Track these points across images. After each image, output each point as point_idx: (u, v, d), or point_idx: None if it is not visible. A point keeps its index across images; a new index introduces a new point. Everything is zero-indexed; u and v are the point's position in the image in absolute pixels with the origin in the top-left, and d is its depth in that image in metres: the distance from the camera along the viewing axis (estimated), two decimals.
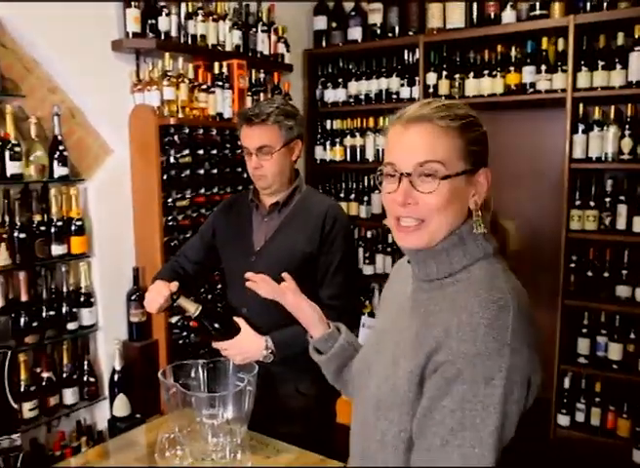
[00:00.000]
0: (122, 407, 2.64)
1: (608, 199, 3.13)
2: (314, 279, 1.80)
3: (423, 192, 0.98)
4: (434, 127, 0.97)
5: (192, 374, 1.79)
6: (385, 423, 1.00)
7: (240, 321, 1.79)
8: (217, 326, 1.78)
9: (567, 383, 3.28)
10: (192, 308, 1.76)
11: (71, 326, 2.51)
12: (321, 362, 1.33)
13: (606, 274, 3.16)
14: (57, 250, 2.43)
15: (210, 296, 2.85)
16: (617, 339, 3.12)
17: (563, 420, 3.28)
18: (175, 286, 1.77)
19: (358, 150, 3.79)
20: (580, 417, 3.25)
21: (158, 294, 1.77)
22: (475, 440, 0.88)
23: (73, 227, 2.48)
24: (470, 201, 1.00)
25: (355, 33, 3.72)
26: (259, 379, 1.67)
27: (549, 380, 3.28)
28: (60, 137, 2.43)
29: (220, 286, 2.90)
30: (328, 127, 3.93)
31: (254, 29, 3.18)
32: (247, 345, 1.74)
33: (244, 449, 1.52)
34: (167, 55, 2.64)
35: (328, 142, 3.88)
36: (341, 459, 1.63)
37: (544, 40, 3.20)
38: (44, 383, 2.41)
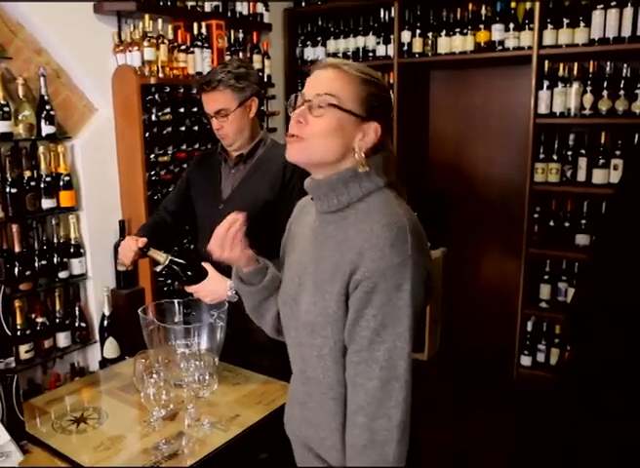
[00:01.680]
0: (112, 349, 2.84)
1: (569, 152, 3.30)
2: (275, 225, 1.98)
3: (314, 115, 1.17)
4: (339, 71, 1.17)
5: (170, 313, 2.00)
6: (321, 340, 1.18)
7: (207, 265, 1.96)
8: (188, 272, 1.97)
9: (529, 326, 3.52)
10: (162, 258, 1.94)
11: (62, 274, 2.69)
12: (250, 292, 1.42)
13: (567, 224, 3.36)
14: (46, 203, 2.59)
15: (176, 248, 3.02)
16: (575, 285, 3.34)
17: (525, 361, 3.53)
18: (142, 242, 1.96)
19: None
20: (540, 358, 3.50)
21: (128, 250, 1.97)
22: (395, 335, 1.09)
23: (62, 182, 2.64)
24: (356, 143, 1.18)
25: None
26: (231, 317, 1.87)
27: (513, 324, 3.51)
28: (46, 97, 2.56)
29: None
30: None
31: None
32: (214, 287, 1.92)
33: (212, 374, 1.72)
34: (147, 16, 2.75)
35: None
36: None
37: None
38: (38, 328, 2.60)
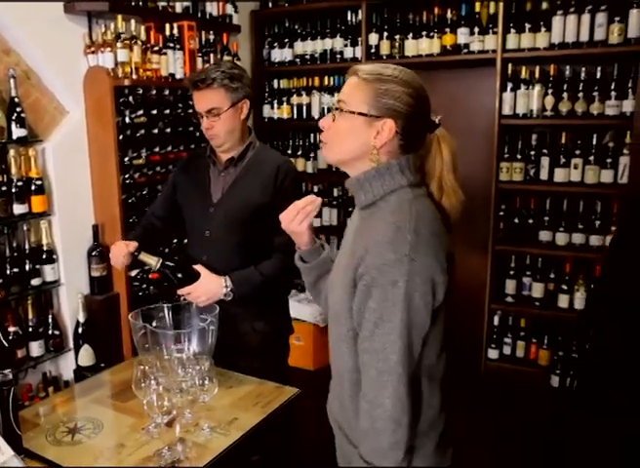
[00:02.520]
0: (87, 357, 2.79)
1: (533, 152, 3.43)
2: (267, 227, 2.00)
3: (332, 120, 1.27)
4: (355, 77, 1.26)
5: (159, 318, 1.99)
6: (338, 326, 1.28)
7: (199, 267, 1.97)
8: (178, 275, 1.97)
9: (496, 321, 3.64)
10: (153, 261, 1.94)
11: (35, 282, 2.62)
12: (305, 269, 1.53)
13: (530, 221, 3.49)
14: (18, 209, 2.51)
15: (167, 250, 3.01)
16: (539, 279, 3.49)
17: (492, 354, 3.66)
18: (133, 246, 1.96)
19: (304, 108, 3.96)
20: (507, 350, 3.63)
21: (119, 254, 1.96)
22: (389, 328, 1.14)
23: (33, 187, 2.56)
24: (371, 141, 1.24)
25: None
26: (220, 320, 1.87)
27: (480, 318, 3.63)
28: (16, 99, 2.48)
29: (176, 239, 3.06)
30: (275, 86, 4.07)
31: None
32: (208, 287, 1.94)
33: (211, 378, 1.73)
34: (119, 17, 2.71)
35: (275, 101, 4.03)
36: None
37: (477, 3, 3.41)
38: (11, 337, 2.53)
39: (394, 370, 1.14)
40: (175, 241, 3.05)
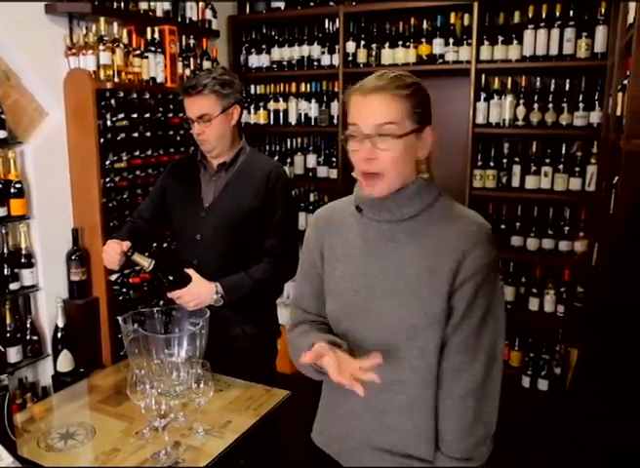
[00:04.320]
0: (66, 362, 2.75)
1: (505, 160, 3.54)
2: (258, 231, 2.03)
3: (382, 149, 1.19)
4: (388, 94, 1.18)
5: (149, 321, 1.98)
6: (422, 343, 1.22)
7: (191, 271, 1.98)
8: (170, 277, 1.97)
9: None
10: (146, 263, 1.94)
11: (13, 286, 2.58)
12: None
13: (502, 226, 3.60)
14: None
15: (157, 251, 3.00)
16: (511, 283, 3.59)
17: None
18: (126, 245, 1.95)
19: (281, 114, 4.00)
20: None
21: (114, 253, 1.94)
22: (497, 319, 1.23)
23: (12, 190, 2.52)
24: (419, 153, 1.24)
25: (278, 2, 3.87)
26: (209, 323, 1.88)
27: None
28: None
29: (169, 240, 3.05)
30: (252, 91, 4.09)
31: None
32: (199, 292, 1.95)
33: (206, 381, 1.74)
34: (102, 19, 2.69)
35: (252, 106, 4.05)
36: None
37: (452, 15, 3.51)
38: None
39: (499, 355, 1.24)
40: (164, 244, 3.05)
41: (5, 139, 2.50)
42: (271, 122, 4.04)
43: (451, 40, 3.50)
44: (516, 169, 3.51)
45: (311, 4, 3.81)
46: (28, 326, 2.68)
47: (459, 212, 1.27)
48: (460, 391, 1.23)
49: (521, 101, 3.44)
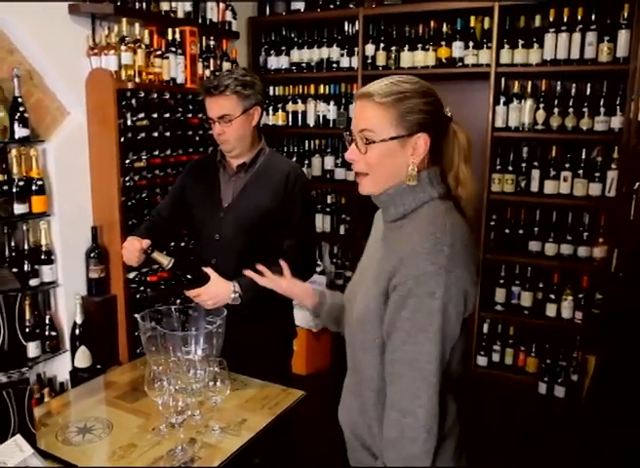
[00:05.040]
0: (84, 358, 2.78)
1: (524, 164, 3.52)
2: (276, 231, 2.03)
3: (361, 152, 1.26)
4: (371, 102, 1.23)
5: (166, 319, 2.00)
6: (363, 335, 1.28)
7: (209, 270, 1.99)
8: (188, 276, 1.99)
9: (485, 328, 3.71)
10: (165, 261, 1.96)
11: (33, 282, 2.61)
12: (321, 320, 1.63)
13: (520, 231, 3.58)
14: (19, 209, 2.50)
15: (175, 250, 3.02)
16: (528, 288, 3.57)
17: (481, 361, 3.72)
18: (146, 243, 1.96)
19: (300, 116, 4.01)
20: (495, 358, 3.70)
21: (133, 249, 1.96)
22: (425, 338, 1.16)
23: (34, 187, 2.55)
24: (409, 159, 1.24)
25: (298, 3, 3.88)
26: (226, 321, 1.89)
27: (470, 326, 3.69)
28: (20, 99, 2.48)
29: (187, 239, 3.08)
30: (271, 93, 4.11)
31: None
32: (217, 290, 1.95)
33: (223, 380, 1.75)
34: (124, 20, 2.72)
35: (271, 108, 4.07)
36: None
37: (472, 18, 3.50)
38: None
39: (428, 379, 1.16)
40: (182, 243, 3.07)
41: (27, 138, 2.53)
42: (290, 123, 4.05)
43: (471, 43, 3.50)
44: (535, 173, 3.48)
45: (331, 6, 3.82)
46: (47, 321, 2.71)
47: (427, 220, 1.23)
48: (388, 400, 1.23)
49: (541, 105, 3.42)
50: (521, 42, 3.40)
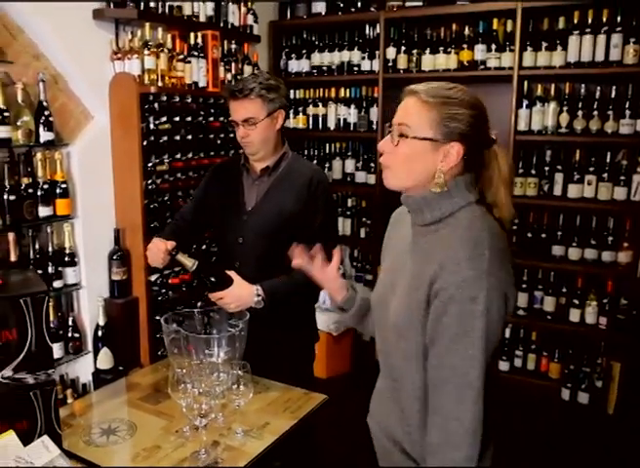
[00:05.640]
0: (106, 360, 2.80)
1: (547, 168, 3.48)
2: (299, 235, 2.02)
3: (393, 144, 1.26)
4: (416, 98, 1.23)
5: (188, 322, 2.00)
6: (405, 342, 1.27)
7: (232, 273, 1.99)
8: (212, 278, 1.99)
9: (508, 333, 3.67)
10: (189, 263, 1.96)
11: (57, 284, 2.63)
12: (349, 317, 1.59)
13: (543, 235, 3.54)
14: (43, 211, 2.53)
15: (198, 253, 3.03)
16: (551, 293, 3.52)
17: (504, 366, 3.68)
18: (171, 244, 1.97)
19: (320, 119, 4.01)
20: (518, 363, 3.66)
21: (158, 251, 1.97)
22: (469, 344, 1.15)
23: (58, 190, 2.58)
24: (438, 165, 1.23)
25: (319, 6, 3.89)
26: (248, 325, 1.89)
27: None
28: (45, 103, 2.51)
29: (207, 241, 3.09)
30: (291, 96, 4.11)
31: (225, 1, 3.30)
32: (240, 293, 1.95)
33: (246, 383, 1.75)
34: (147, 24, 2.75)
35: (291, 111, 4.08)
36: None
37: (495, 21, 3.47)
38: None
39: (474, 384, 1.15)
40: (203, 246, 3.08)
41: (52, 141, 2.55)
42: (310, 127, 4.06)
43: (493, 46, 3.47)
44: (558, 177, 3.44)
45: (352, 9, 3.82)
46: (70, 323, 2.73)
47: (466, 225, 1.22)
48: (431, 406, 1.23)
49: (564, 108, 3.39)
50: (544, 44, 3.36)
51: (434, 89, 1.23)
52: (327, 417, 2.05)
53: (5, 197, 2.40)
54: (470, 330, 1.15)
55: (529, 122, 3.45)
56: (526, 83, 3.45)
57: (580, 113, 3.35)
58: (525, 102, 3.45)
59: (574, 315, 3.45)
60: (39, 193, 2.52)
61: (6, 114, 2.36)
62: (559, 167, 3.45)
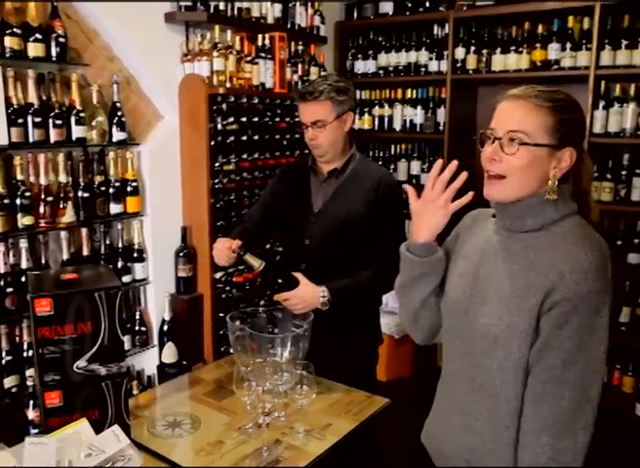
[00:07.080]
0: (170, 354, 2.87)
1: (624, 172, 3.31)
2: (366, 237, 2.01)
3: (507, 153, 1.19)
4: (528, 104, 1.18)
5: (252, 320, 2.01)
6: (504, 353, 1.19)
7: (298, 275, 1.99)
8: (279, 280, 2.00)
9: None
10: (257, 263, 1.98)
11: (125, 279, 2.72)
12: (412, 262, 1.36)
13: (619, 242, 3.37)
14: (114, 208, 2.62)
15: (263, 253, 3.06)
16: (626, 303, 3.35)
17: None
18: (237, 243, 1.99)
19: (386, 120, 3.97)
20: None
21: (223, 249, 1.99)
22: (590, 358, 1.11)
23: (129, 188, 2.67)
24: (551, 171, 1.19)
25: (386, 6, 3.86)
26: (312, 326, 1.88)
27: None
28: (118, 104, 2.59)
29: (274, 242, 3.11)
30: (357, 97, 4.09)
31: (293, 2, 3.32)
32: (306, 295, 1.95)
33: (308, 383, 1.74)
34: (217, 27, 2.80)
35: (357, 112, 4.05)
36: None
37: (570, 18, 3.34)
38: None
39: (594, 400, 1.11)
40: (267, 245, 3.10)
41: (124, 141, 2.64)
42: (375, 128, 4.03)
43: (568, 45, 3.33)
44: (637, 182, 3.26)
45: (420, 9, 3.76)
46: (137, 317, 2.82)
47: (580, 235, 1.17)
48: (535, 423, 1.15)
49: None
50: (624, 42, 3.20)
51: (544, 93, 1.19)
52: (388, 422, 2.01)
53: (79, 194, 2.50)
54: (593, 344, 1.11)
55: (605, 124, 3.30)
56: (603, 83, 3.29)
57: None
58: (601, 103, 3.30)
59: None
60: (111, 191, 2.61)
61: (82, 115, 2.46)
62: (638, 171, 3.28)
